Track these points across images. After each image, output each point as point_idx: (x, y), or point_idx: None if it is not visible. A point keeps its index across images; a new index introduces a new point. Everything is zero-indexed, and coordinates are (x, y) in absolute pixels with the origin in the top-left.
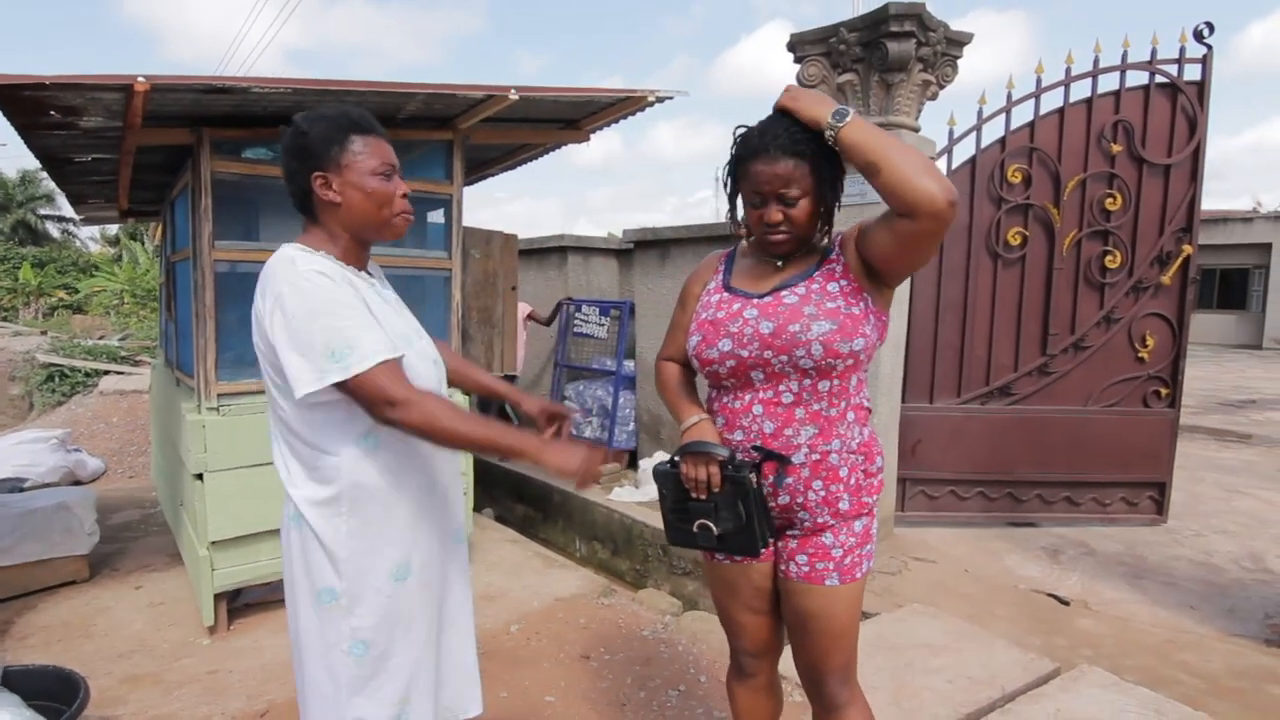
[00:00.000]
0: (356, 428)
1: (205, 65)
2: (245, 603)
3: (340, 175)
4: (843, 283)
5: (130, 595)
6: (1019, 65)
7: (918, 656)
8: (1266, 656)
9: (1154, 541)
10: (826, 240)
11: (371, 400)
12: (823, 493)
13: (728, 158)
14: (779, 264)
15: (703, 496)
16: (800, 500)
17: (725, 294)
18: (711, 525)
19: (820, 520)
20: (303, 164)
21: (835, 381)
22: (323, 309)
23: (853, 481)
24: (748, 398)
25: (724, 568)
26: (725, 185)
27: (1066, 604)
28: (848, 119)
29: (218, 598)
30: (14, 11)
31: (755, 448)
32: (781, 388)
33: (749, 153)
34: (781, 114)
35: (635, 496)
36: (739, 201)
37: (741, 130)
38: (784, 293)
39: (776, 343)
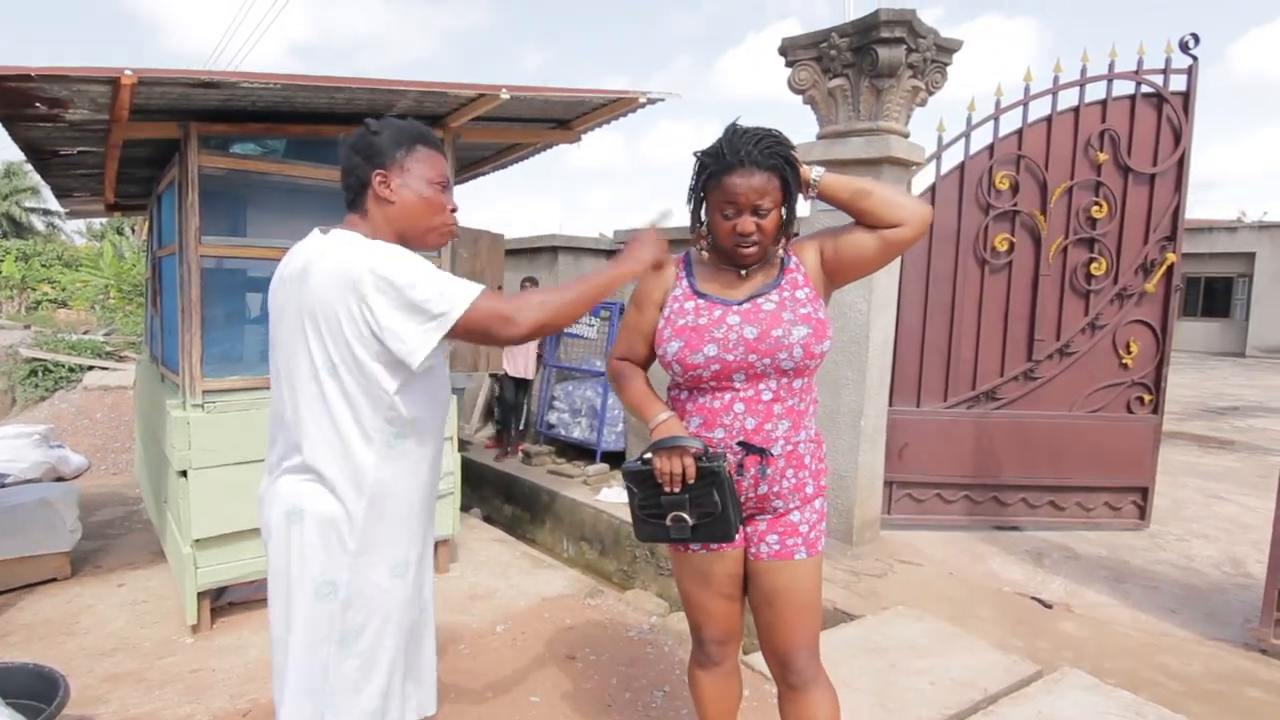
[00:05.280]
0: (390, 426)
1: (203, 58)
2: (229, 601)
3: (400, 177)
4: (806, 290)
5: (113, 593)
6: (1024, 72)
7: (902, 658)
8: (1245, 660)
9: (1136, 546)
10: (782, 250)
11: (488, 328)
12: (794, 480)
13: (698, 170)
14: (742, 273)
15: (676, 489)
16: (776, 489)
17: (700, 301)
18: (686, 517)
19: (791, 505)
20: (367, 160)
21: (805, 379)
22: (412, 271)
23: (813, 467)
24: (727, 397)
25: (697, 558)
26: (689, 197)
27: (1049, 607)
28: (822, 172)
29: (201, 596)
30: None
31: (740, 443)
32: (761, 386)
33: (724, 166)
34: (745, 131)
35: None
36: (702, 213)
37: (702, 151)
38: (760, 300)
39: (761, 347)
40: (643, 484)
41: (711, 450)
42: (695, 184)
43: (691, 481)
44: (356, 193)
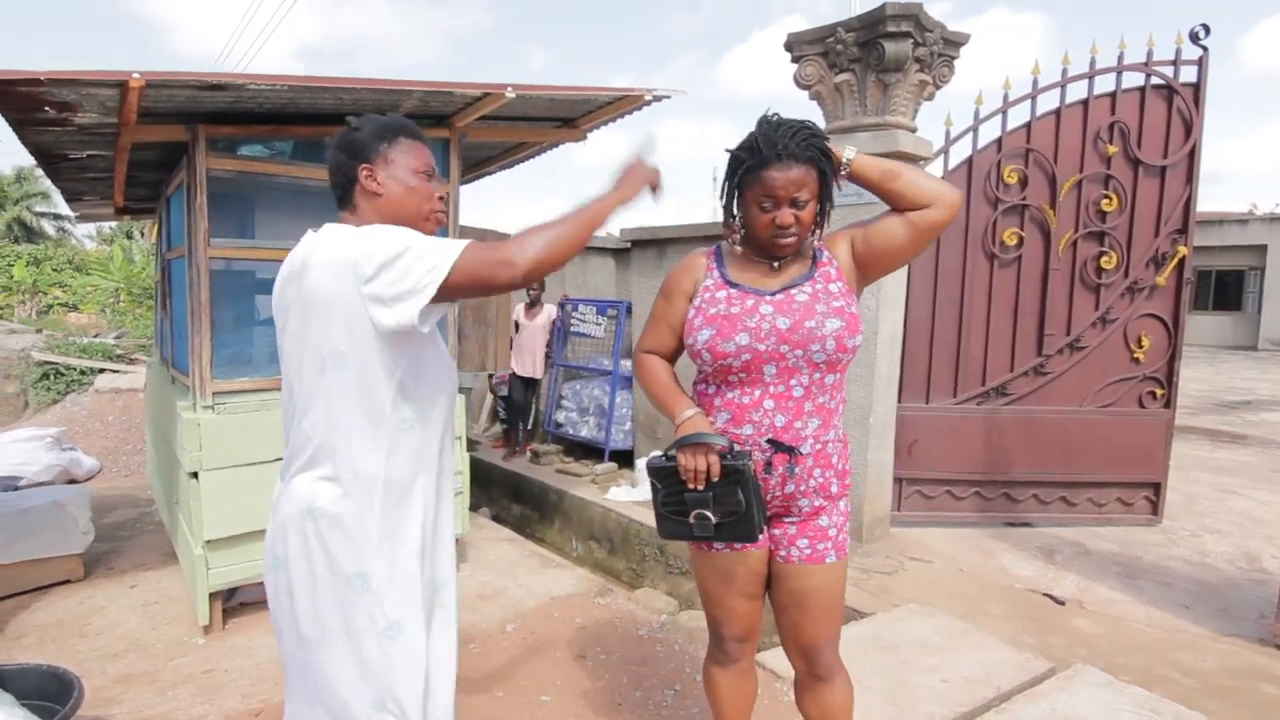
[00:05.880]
0: (398, 412)
1: (210, 61)
2: (240, 602)
3: (386, 169)
4: (839, 284)
5: (125, 594)
6: (1032, 65)
7: (913, 655)
8: (1260, 656)
9: (1149, 541)
10: (817, 242)
11: (485, 276)
12: (820, 479)
13: (733, 165)
14: (775, 265)
15: (700, 487)
16: (803, 488)
17: (732, 290)
18: (710, 515)
19: (817, 504)
20: (351, 157)
21: (837, 375)
22: (396, 242)
23: (840, 466)
24: (757, 393)
25: (720, 556)
26: (723, 191)
27: (1062, 603)
28: (857, 151)
29: (213, 597)
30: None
31: (769, 440)
32: (793, 382)
33: (761, 160)
34: (781, 124)
35: (632, 496)
36: (735, 206)
37: (737, 146)
38: (793, 291)
39: (793, 337)
40: (666, 480)
41: (737, 448)
42: (731, 178)
43: (716, 479)
44: (345, 190)
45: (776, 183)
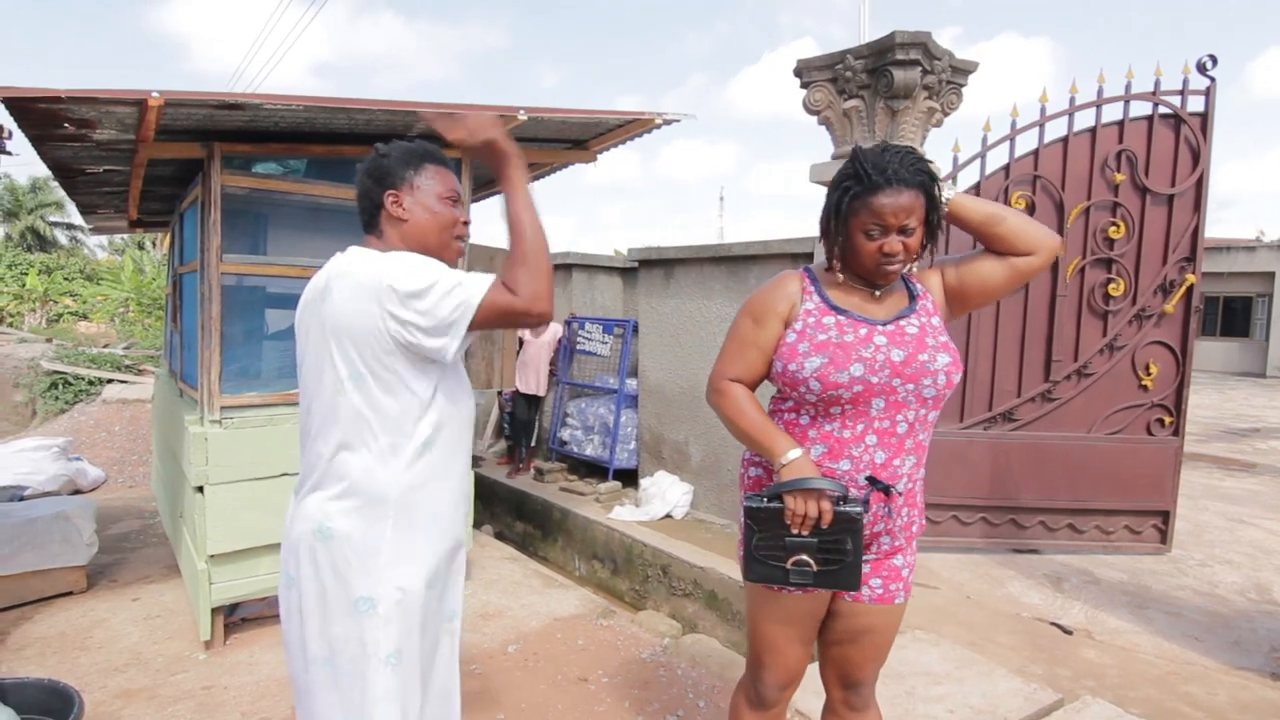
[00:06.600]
0: (416, 434)
1: (225, 79)
2: (242, 617)
3: (411, 195)
4: (936, 319)
5: (127, 607)
6: (1040, 92)
7: (919, 684)
8: (1272, 690)
9: (1158, 571)
10: (915, 269)
11: (511, 318)
12: (906, 518)
13: (837, 191)
14: (875, 293)
15: (806, 533)
16: (888, 526)
17: (840, 317)
18: (810, 562)
19: (898, 543)
20: (378, 183)
21: (938, 413)
22: (426, 275)
23: (921, 504)
24: (860, 427)
25: (790, 599)
26: (832, 219)
27: (1070, 633)
28: (954, 191)
29: (215, 612)
30: (38, 15)
31: (868, 478)
32: (899, 417)
33: (871, 187)
34: (887, 149)
35: (636, 515)
36: (834, 233)
37: (840, 173)
38: (903, 322)
39: (906, 371)
40: (765, 523)
41: (851, 494)
42: (838, 206)
43: (825, 526)
44: (371, 215)
45: (887, 209)
